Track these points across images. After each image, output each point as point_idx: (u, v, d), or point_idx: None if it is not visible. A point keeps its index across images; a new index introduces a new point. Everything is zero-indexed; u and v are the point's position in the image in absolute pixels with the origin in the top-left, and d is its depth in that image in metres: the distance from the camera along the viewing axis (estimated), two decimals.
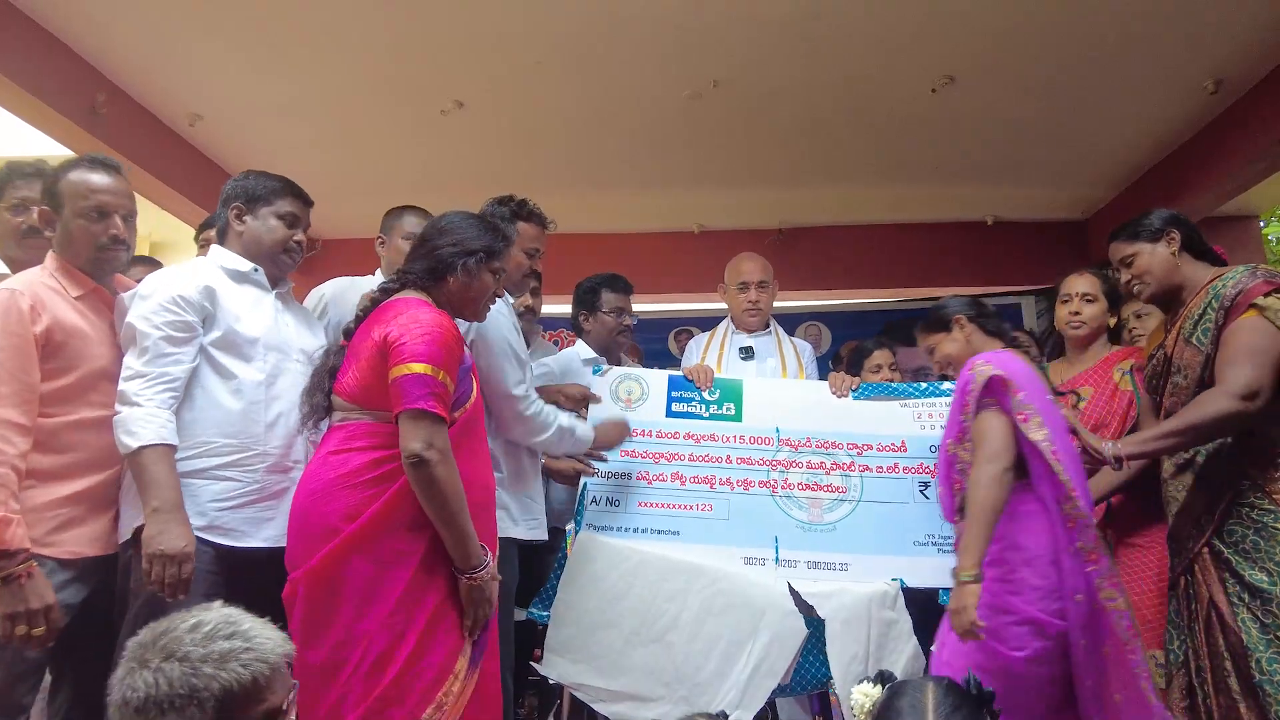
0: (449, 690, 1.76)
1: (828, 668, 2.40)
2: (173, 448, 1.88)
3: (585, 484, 2.64)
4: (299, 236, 2.19)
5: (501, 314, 2.32)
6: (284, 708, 1.23)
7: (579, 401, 2.69)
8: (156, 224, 5.59)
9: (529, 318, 2.94)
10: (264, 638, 1.22)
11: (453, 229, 2.06)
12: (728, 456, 2.72)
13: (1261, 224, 5.40)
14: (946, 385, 2.82)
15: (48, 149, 3.53)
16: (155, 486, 1.81)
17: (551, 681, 2.60)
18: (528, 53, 3.60)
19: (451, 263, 1.99)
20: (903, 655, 2.38)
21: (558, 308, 3.88)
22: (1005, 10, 3.34)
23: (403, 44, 3.55)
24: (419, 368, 1.78)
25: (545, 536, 2.52)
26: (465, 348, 2.00)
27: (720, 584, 2.46)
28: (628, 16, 3.36)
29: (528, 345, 2.69)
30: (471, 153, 4.47)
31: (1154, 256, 2.22)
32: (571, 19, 3.38)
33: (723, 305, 3.43)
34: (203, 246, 2.69)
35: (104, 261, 2.03)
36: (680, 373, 2.90)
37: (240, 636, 1.19)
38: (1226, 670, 1.94)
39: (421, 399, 1.77)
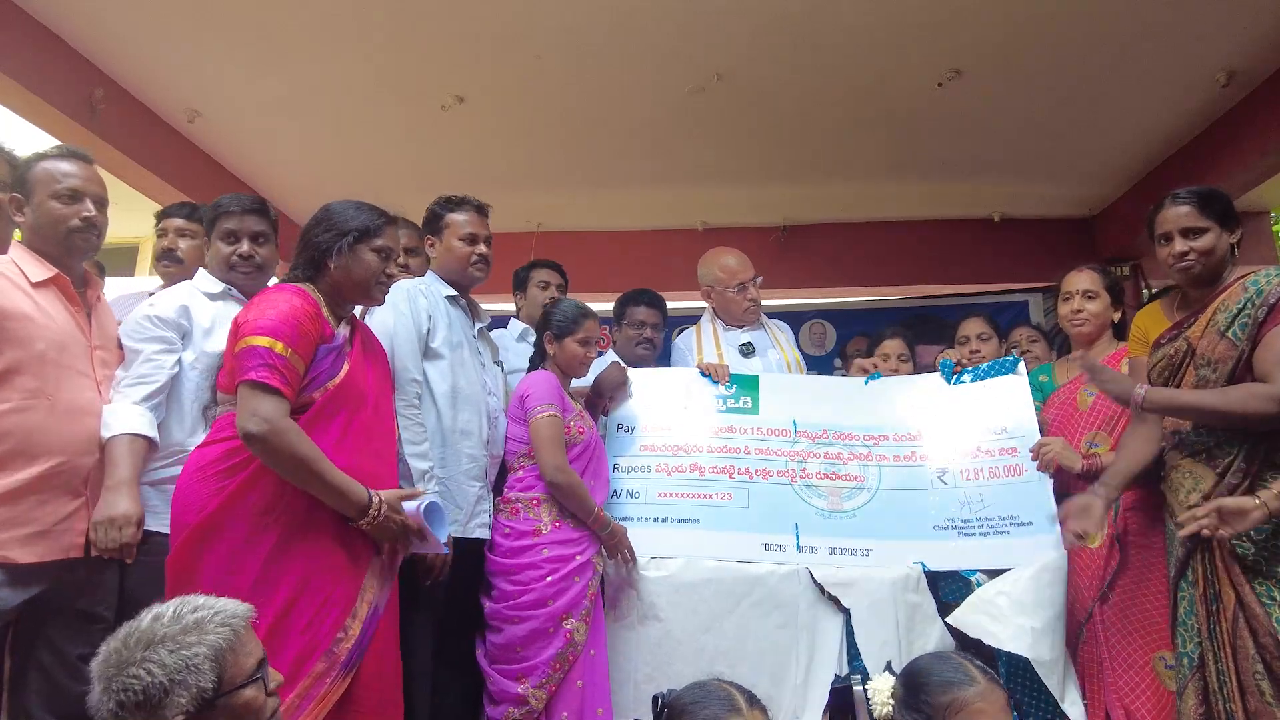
0: (303, 693, 1.73)
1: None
2: (140, 437, 2.00)
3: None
4: (242, 250, 2.27)
5: (398, 310, 2.34)
6: (265, 658, 1.33)
7: (616, 386, 2.80)
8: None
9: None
10: (224, 602, 1.32)
11: (328, 216, 2.05)
12: (746, 448, 2.74)
13: (1274, 218, 5.32)
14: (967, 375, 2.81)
15: (45, 145, 3.50)
16: (111, 468, 1.95)
17: None
18: (528, 47, 3.57)
19: (328, 248, 2.00)
20: (931, 637, 2.37)
21: None
22: (1012, 3, 3.29)
23: (402, 39, 3.52)
24: (255, 340, 1.80)
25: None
26: (334, 328, 1.97)
27: (751, 596, 2.43)
28: (629, 10, 3.32)
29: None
30: (472, 149, 4.44)
31: (1221, 241, 2.14)
32: (572, 12, 3.34)
33: None
34: (161, 235, 2.68)
35: (75, 245, 2.04)
36: (697, 369, 2.93)
37: (205, 607, 1.28)
38: (1258, 673, 1.87)
39: (252, 370, 1.78)
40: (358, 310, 2.40)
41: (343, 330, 2.00)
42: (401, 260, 2.83)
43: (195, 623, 1.25)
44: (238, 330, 1.87)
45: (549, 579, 2.31)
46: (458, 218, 2.57)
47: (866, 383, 2.89)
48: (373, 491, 1.87)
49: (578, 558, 2.36)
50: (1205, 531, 1.90)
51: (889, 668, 1.82)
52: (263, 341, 1.79)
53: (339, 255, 2.00)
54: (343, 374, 1.94)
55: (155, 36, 3.49)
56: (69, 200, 2.02)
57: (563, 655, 2.26)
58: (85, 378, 2.00)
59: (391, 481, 2.08)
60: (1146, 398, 2.12)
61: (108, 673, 1.22)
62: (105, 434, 1.97)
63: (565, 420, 2.46)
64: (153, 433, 2.02)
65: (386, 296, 2.44)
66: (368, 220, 2.04)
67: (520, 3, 3.29)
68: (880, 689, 1.81)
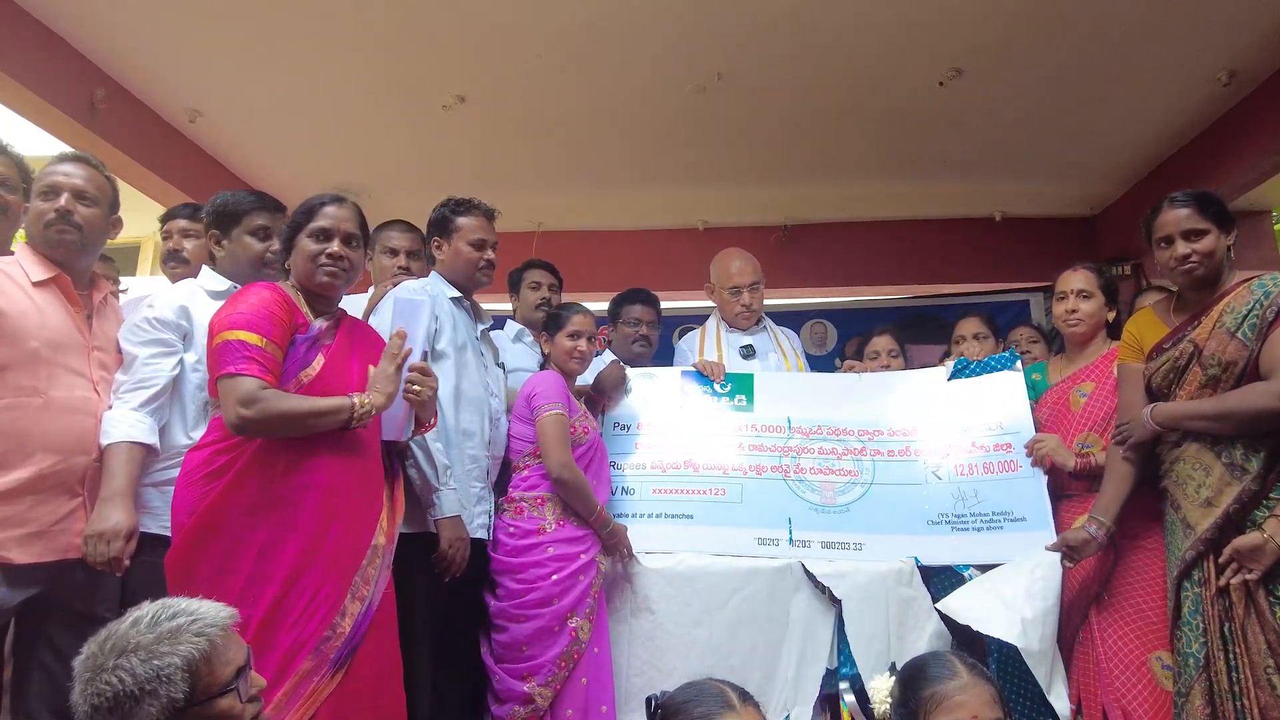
0: (289, 691, 1.73)
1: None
2: (139, 444, 1.99)
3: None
4: (275, 247, 2.26)
5: (387, 306, 2.33)
6: (247, 665, 1.32)
7: (616, 384, 2.84)
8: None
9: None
10: (205, 608, 1.31)
11: None
12: (740, 444, 2.77)
13: (1275, 217, 5.30)
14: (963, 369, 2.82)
15: (46, 146, 3.51)
16: (107, 477, 1.95)
17: None
18: (530, 46, 3.57)
19: (284, 251, 2.06)
20: (925, 632, 2.37)
21: None
22: (1013, 2, 3.29)
23: (403, 38, 3.52)
24: (228, 335, 1.82)
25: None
26: (310, 320, 1.97)
27: (743, 590, 2.44)
28: (631, 9, 3.32)
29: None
30: (472, 148, 4.45)
31: (1219, 243, 2.17)
32: (573, 11, 3.34)
33: None
34: (166, 237, 2.68)
35: (50, 241, 2.03)
36: (693, 367, 2.95)
37: (183, 614, 1.28)
38: (1270, 667, 1.89)
39: (229, 364, 1.80)
40: (360, 311, 2.40)
41: (320, 323, 1.99)
42: (403, 263, 2.84)
43: (170, 631, 1.25)
44: (212, 330, 1.88)
45: (554, 577, 2.32)
46: (468, 222, 2.56)
47: (860, 378, 2.92)
48: (351, 395, 1.90)
49: (582, 556, 2.37)
50: (1236, 580, 1.96)
51: (892, 668, 1.82)
52: (236, 335, 1.81)
53: (288, 253, 2.04)
54: (317, 366, 1.93)
55: (156, 36, 3.49)
56: (45, 196, 2.03)
57: (568, 653, 2.27)
58: (80, 377, 2.00)
59: (380, 476, 2.06)
60: (1154, 413, 2.17)
61: (85, 675, 1.23)
62: (104, 441, 1.96)
63: (571, 420, 2.48)
64: (152, 439, 2.01)
65: (389, 290, 2.43)
66: (302, 209, 2.04)
67: (521, 2, 3.29)
68: (879, 688, 1.82)
